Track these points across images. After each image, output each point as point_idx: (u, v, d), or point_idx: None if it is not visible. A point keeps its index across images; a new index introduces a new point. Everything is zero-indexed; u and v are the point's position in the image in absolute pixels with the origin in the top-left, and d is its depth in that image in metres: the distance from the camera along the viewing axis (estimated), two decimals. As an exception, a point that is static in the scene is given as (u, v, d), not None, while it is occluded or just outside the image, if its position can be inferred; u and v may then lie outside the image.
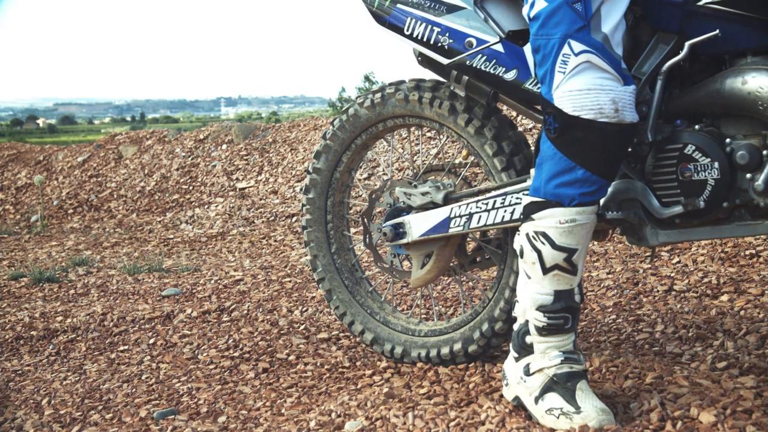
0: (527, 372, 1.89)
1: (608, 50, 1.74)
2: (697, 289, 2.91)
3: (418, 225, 2.28)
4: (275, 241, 5.15)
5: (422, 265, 2.33)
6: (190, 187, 7.00)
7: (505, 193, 2.12)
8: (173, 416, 2.25)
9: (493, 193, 2.15)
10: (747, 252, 3.21)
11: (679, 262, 3.30)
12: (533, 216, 1.82)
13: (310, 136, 7.08)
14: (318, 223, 2.53)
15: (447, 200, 2.26)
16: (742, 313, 2.58)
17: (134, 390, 2.50)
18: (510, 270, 2.21)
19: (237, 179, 6.86)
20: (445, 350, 2.32)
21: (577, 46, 1.73)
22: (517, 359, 1.93)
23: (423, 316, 2.90)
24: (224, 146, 7.46)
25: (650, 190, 1.89)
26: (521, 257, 1.86)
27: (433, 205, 2.27)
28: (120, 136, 8.57)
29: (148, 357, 2.82)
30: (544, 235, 1.80)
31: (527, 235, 1.84)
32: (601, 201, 1.90)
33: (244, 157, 7.15)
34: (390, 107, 2.34)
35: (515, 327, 1.94)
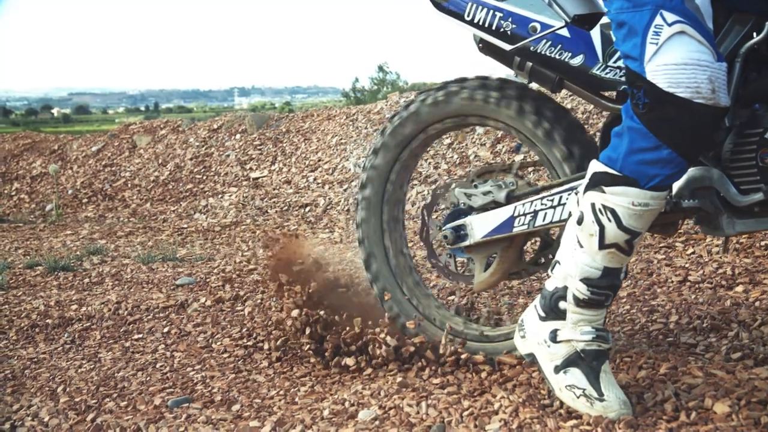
0: (554, 338, 1.85)
1: (701, 22, 1.65)
2: (712, 280, 2.89)
3: (480, 226, 2.19)
4: (289, 230, 5.15)
5: (485, 267, 2.25)
6: (204, 177, 7.02)
7: (572, 188, 2.00)
8: (187, 404, 2.27)
9: (559, 188, 2.04)
10: (762, 243, 3.19)
11: (693, 252, 3.28)
12: (605, 188, 1.72)
13: (324, 126, 7.07)
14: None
15: (509, 199, 2.16)
16: (757, 304, 2.57)
17: (149, 378, 2.52)
18: None
19: (250, 169, 6.88)
20: None
21: (670, 17, 1.63)
22: (543, 319, 1.87)
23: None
24: (238, 136, 7.48)
25: (727, 177, 1.81)
26: (578, 224, 1.77)
27: (494, 205, 2.18)
28: (134, 126, 8.60)
29: (163, 345, 2.83)
30: (613, 212, 1.71)
31: (593, 205, 1.74)
32: (674, 189, 1.83)
33: (258, 147, 7.16)
34: (454, 106, 2.24)
35: (548, 287, 1.86)
